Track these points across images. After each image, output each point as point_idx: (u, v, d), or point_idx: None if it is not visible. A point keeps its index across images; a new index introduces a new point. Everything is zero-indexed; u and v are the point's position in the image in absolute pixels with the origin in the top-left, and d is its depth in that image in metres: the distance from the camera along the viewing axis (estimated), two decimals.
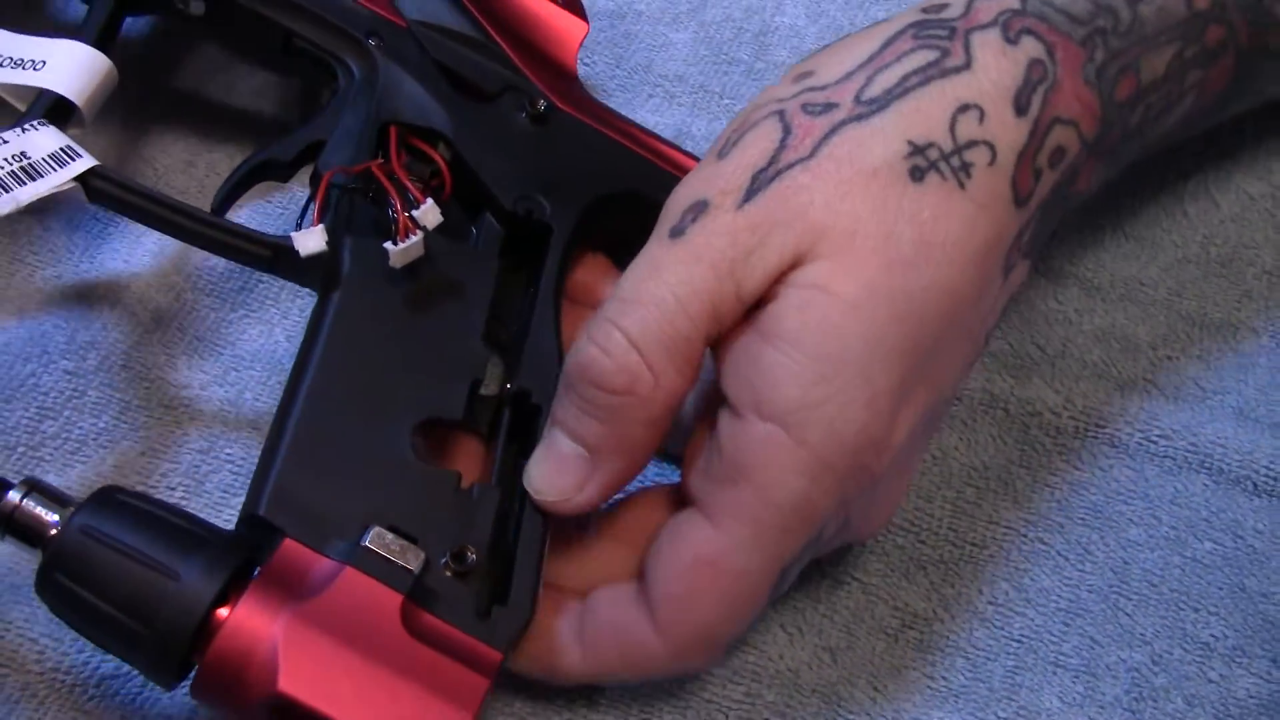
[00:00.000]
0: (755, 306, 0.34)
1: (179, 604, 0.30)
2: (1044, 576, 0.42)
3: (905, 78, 0.36)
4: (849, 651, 0.40)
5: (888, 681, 0.39)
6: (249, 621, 0.30)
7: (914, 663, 0.40)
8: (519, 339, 0.38)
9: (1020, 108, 0.36)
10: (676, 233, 0.35)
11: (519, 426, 0.37)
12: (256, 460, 0.37)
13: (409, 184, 0.37)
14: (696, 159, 0.45)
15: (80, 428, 0.39)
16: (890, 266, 0.34)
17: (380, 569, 0.32)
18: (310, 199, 0.38)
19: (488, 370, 0.37)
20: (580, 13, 0.46)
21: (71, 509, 0.31)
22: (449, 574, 0.33)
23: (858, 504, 0.35)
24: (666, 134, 0.49)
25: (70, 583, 0.30)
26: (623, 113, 0.49)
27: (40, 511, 0.31)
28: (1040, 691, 0.40)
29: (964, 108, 0.35)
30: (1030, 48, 0.36)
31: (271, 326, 0.43)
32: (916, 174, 0.34)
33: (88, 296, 0.42)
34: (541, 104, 0.42)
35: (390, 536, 0.32)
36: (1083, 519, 0.43)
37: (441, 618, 0.32)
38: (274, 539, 0.32)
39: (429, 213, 0.36)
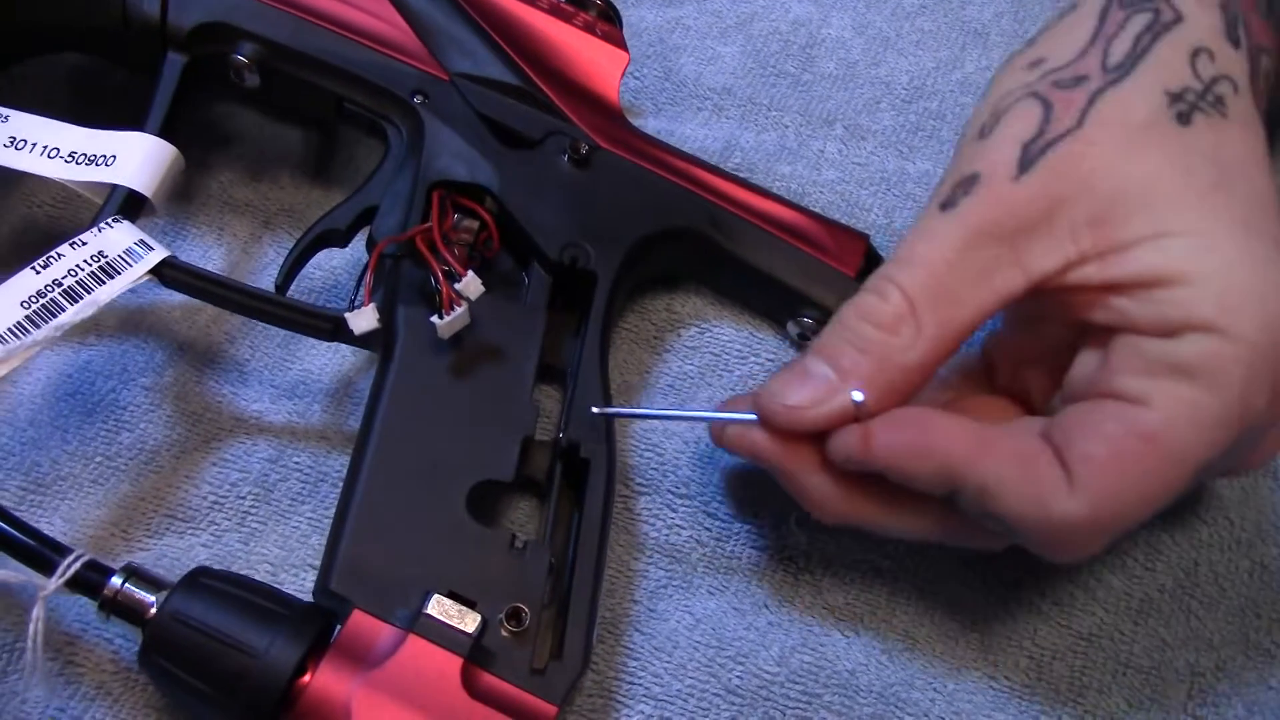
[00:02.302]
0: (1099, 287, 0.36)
1: (261, 680, 0.33)
2: (1111, 575, 0.42)
3: (1137, 39, 0.37)
4: (908, 653, 0.40)
5: (948, 682, 0.40)
6: (325, 690, 0.33)
7: (975, 663, 0.40)
8: (569, 389, 0.40)
9: (1235, 40, 0.38)
10: (948, 204, 0.36)
11: (569, 480, 0.39)
12: (324, 471, 0.41)
13: (449, 257, 0.39)
14: (741, 182, 0.46)
15: (155, 439, 0.42)
16: (1208, 191, 0.35)
17: (441, 635, 0.34)
18: (364, 270, 0.40)
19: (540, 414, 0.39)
20: (620, 44, 0.47)
21: (165, 592, 0.34)
22: (505, 634, 0.35)
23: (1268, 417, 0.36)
24: (715, 146, 0.50)
25: (166, 663, 0.34)
26: (672, 126, 0.50)
27: (139, 595, 0.34)
28: (1108, 693, 0.40)
29: (1196, 51, 0.37)
30: None
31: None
32: (1182, 118, 0.36)
33: (165, 317, 0.44)
34: (584, 147, 0.43)
35: (449, 603, 0.35)
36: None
37: (499, 676, 0.34)
38: (346, 608, 0.35)
39: (470, 284, 0.38)
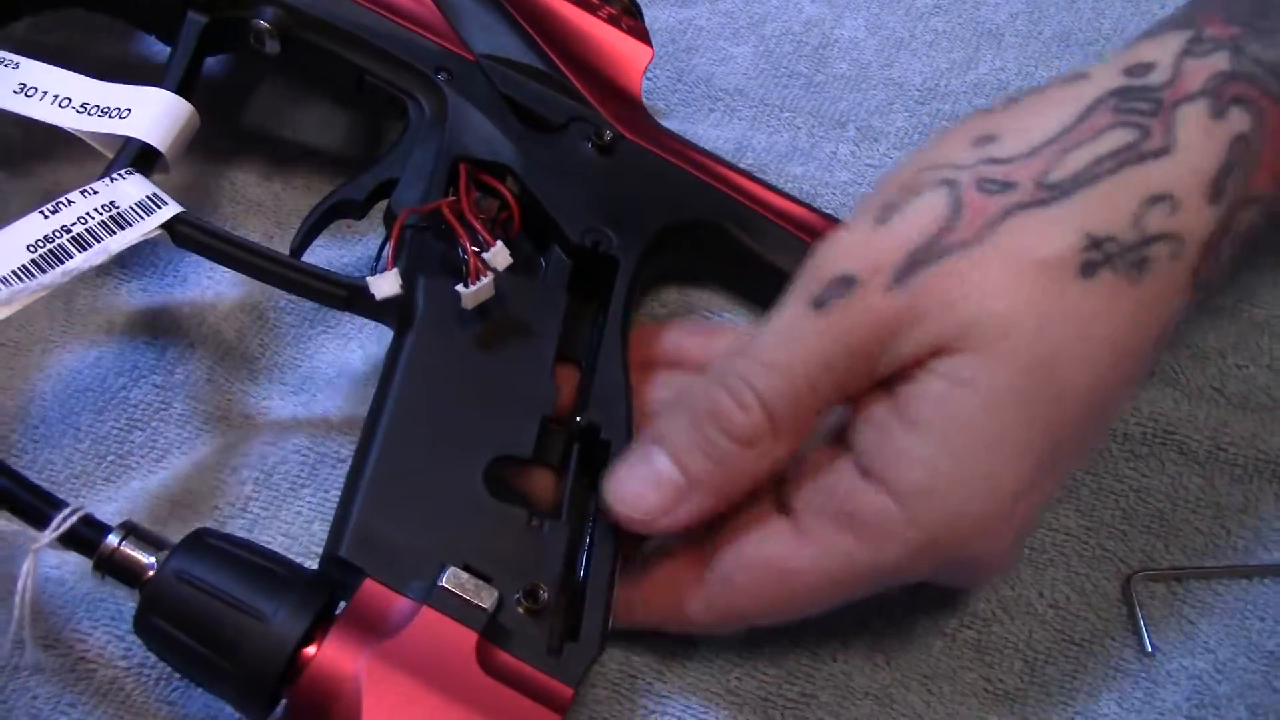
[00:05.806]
0: (893, 378, 0.34)
1: (267, 645, 0.31)
2: (1105, 582, 0.42)
3: (1097, 161, 0.33)
4: (903, 653, 0.40)
5: (943, 684, 0.40)
6: (333, 660, 0.32)
7: (970, 664, 0.40)
8: (588, 371, 0.39)
9: (1216, 194, 0.34)
10: (819, 303, 0.34)
11: (588, 461, 0.38)
12: (326, 471, 0.40)
13: (478, 226, 0.38)
14: (760, 181, 0.45)
15: (166, 436, 0.41)
16: (1036, 368, 0.32)
17: (456, 608, 0.33)
18: (385, 240, 0.39)
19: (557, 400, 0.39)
20: (645, 38, 0.47)
21: (166, 552, 0.33)
22: (522, 611, 0.34)
23: (953, 573, 0.36)
24: (728, 148, 0.50)
25: (166, 624, 0.32)
26: (684, 127, 0.50)
27: (137, 555, 0.33)
28: (1098, 696, 0.40)
29: (1155, 199, 0.33)
30: (1237, 121, 0.34)
31: (347, 340, 0.44)
32: (1088, 269, 0.33)
33: (175, 315, 0.44)
34: (608, 134, 0.43)
35: (465, 576, 0.33)
36: (1147, 526, 0.43)
37: (515, 655, 0.33)
38: (355, 578, 0.33)
39: (498, 255, 0.37)
